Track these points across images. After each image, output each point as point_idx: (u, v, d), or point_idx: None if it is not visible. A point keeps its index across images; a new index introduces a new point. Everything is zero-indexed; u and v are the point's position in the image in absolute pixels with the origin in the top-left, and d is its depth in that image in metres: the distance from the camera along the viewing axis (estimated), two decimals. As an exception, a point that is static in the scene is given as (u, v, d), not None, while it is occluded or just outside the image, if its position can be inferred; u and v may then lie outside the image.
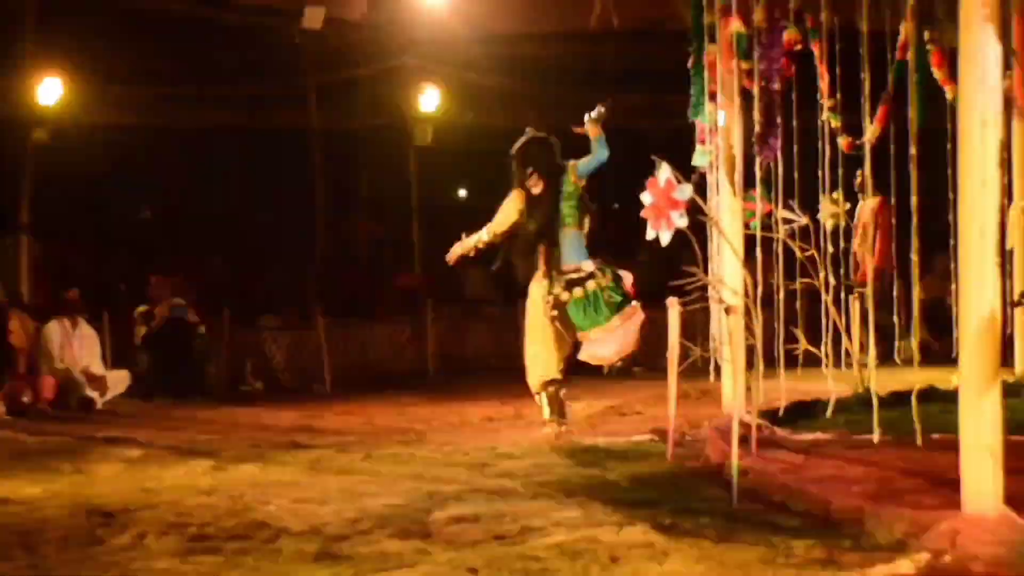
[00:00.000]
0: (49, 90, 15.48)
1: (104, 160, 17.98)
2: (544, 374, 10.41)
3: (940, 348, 11.97)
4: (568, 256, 10.28)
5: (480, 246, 10.65)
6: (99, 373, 14.08)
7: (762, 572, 5.73)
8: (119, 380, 14.32)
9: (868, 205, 13.62)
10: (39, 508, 7.81)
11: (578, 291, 10.17)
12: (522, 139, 10.55)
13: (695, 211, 7.96)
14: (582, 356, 10.39)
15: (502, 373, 16.96)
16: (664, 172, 7.88)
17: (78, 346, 14.07)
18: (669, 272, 8.60)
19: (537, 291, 10.42)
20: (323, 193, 17.51)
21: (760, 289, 8.59)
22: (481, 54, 17.97)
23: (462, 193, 23.19)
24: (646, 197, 8.04)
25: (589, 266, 10.24)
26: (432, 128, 17.56)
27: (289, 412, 13.01)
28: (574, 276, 10.23)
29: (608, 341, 10.24)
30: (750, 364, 8.84)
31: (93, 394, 13.80)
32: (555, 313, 10.27)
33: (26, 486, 8.62)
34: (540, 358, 10.42)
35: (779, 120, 9.61)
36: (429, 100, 17.22)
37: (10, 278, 15.80)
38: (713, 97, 10.06)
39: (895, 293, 10.62)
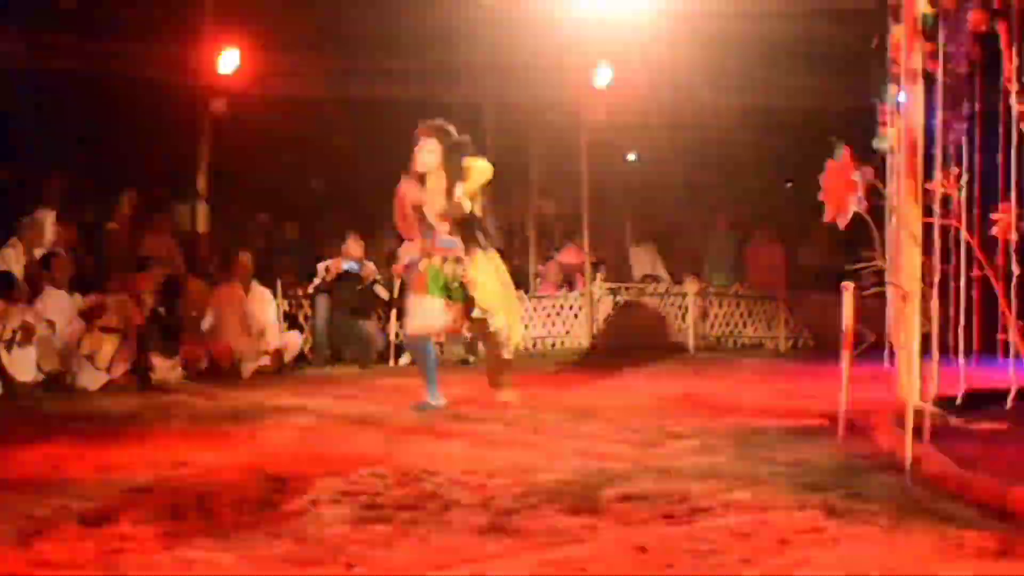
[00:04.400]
0: (228, 60, 15.78)
1: (280, 130, 18.27)
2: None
3: None
4: None
5: None
6: (274, 337, 14.38)
7: (935, 562, 5.69)
8: (293, 343, 14.63)
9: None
10: (215, 471, 8.02)
11: None
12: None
13: (874, 195, 7.92)
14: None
15: (667, 351, 17.06)
16: (843, 155, 7.86)
17: (251, 311, 14.36)
18: (845, 255, 8.58)
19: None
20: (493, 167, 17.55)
21: (938, 276, 8.50)
22: (657, 28, 17.88)
23: (631, 157, 23.05)
24: (824, 180, 8.02)
25: None
26: (604, 102, 17.53)
27: (460, 385, 13.12)
28: None
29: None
30: (926, 351, 8.75)
31: (266, 360, 14.10)
32: None
33: (202, 450, 8.86)
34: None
35: (965, 104, 9.45)
36: (601, 76, 17.23)
37: (187, 244, 16.18)
38: (896, 78, 9.93)
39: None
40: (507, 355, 11.14)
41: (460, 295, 10.89)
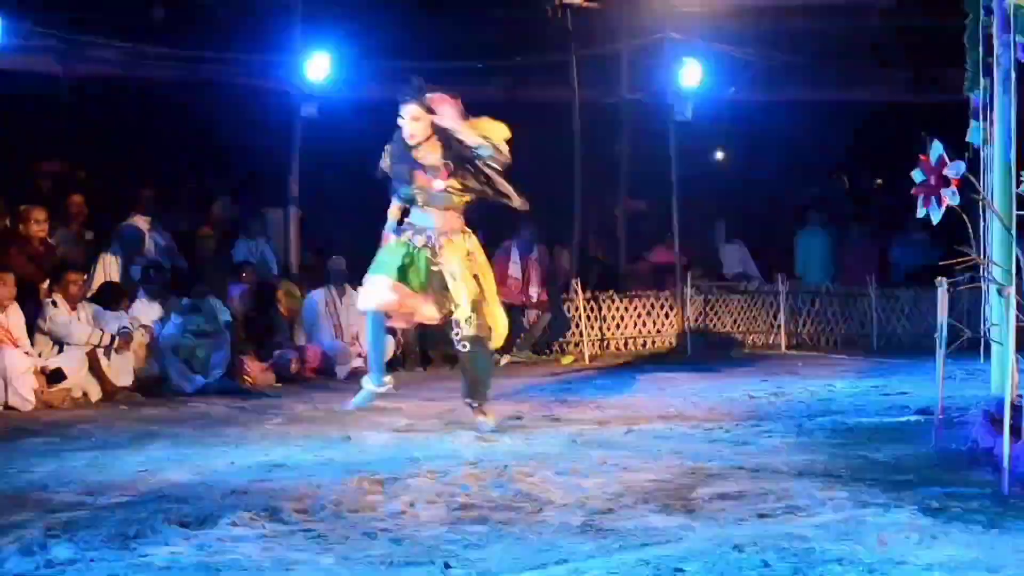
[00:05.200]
0: (318, 66, 15.88)
1: (367, 133, 18.32)
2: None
3: None
4: None
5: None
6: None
7: (1035, 560, 5.64)
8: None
9: None
10: (312, 474, 8.08)
11: None
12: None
13: (968, 189, 7.83)
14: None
15: (760, 349, 16.97)
16: (936, 149, 7.78)
17: (346, 314, 14.46)
18: (940, 251, 8.49)
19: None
20: (582, 167, 17.63)
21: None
22: (742, 27, 17.81)
23: (719, 155, 22.92)
24: (917, 175, 7.94)
25: None
26: (692, 103, 17.47)
27: (548, 383, 13.14)
28: None
29: None
30: (1022, 347, 8.64)
31: (360, 363, 14.18)
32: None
33: (298, 452, 8.92)
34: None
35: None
36: (691, 75, 17.17)
37: (279, 248, 16.32)
38: (989, 71, 9.79)
39: None
40: (489, 358, 10.16)
41: (423, 281, 9.73)
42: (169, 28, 16.60)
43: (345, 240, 16.90)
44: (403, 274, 9.67)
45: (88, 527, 6.48)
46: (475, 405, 9.92)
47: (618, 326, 17.17)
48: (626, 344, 17.18)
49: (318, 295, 14.50)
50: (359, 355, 14.27)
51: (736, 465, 8.01)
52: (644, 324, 17.43)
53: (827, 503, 6.78)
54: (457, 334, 9.70)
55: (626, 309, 17.32)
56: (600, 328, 16.92)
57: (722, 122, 19.13)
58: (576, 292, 16.71)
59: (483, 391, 9.97)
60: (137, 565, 5.81)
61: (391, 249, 9.82)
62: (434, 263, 9.69)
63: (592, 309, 16.78)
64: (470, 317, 9.60)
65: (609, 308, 17.11)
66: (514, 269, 16.01)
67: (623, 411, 10.91)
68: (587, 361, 15.99)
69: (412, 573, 5.65)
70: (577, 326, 16.52)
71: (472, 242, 9.92)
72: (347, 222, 17.49)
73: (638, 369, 14.92)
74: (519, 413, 10.78)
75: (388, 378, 10.13)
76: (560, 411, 10.98)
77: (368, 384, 10.06)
